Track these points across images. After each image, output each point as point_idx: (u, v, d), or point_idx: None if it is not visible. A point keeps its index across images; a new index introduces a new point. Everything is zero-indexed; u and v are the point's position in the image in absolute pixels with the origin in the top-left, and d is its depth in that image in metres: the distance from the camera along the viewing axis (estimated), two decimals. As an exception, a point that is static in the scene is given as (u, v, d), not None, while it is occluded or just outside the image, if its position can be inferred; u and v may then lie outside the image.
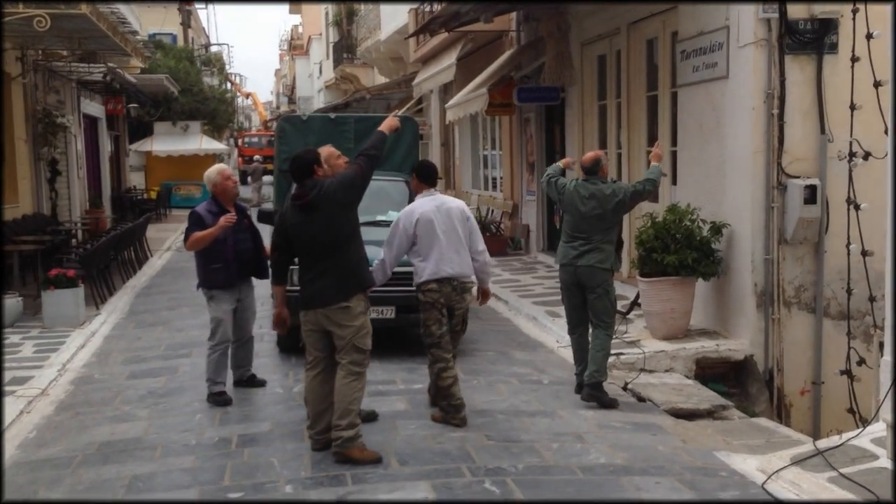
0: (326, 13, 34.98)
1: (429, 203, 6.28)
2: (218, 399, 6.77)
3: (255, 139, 47.42)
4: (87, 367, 8.31)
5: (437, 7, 16.54)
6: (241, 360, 7.25)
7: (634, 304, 9.34)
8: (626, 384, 7.40)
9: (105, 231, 15.42)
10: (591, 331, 6.94)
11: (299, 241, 5.59)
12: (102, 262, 12.05)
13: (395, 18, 21.91)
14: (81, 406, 7.00)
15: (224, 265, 6.85)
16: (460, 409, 6.12)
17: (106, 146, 22.45)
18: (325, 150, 5.80)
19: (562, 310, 10.15)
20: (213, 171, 7.07)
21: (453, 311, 6.31)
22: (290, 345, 8.07)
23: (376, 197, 7.46)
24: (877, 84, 5.06)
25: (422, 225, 6.16)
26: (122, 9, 14.67)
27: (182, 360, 8.34)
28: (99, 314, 10.64)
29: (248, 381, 7.24)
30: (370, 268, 5.84)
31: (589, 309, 6.89)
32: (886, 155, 4.91)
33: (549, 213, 14.58)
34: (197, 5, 37.51)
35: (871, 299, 6.32)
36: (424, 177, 6.42)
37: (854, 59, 5.36)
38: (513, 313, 10.55)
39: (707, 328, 8.73)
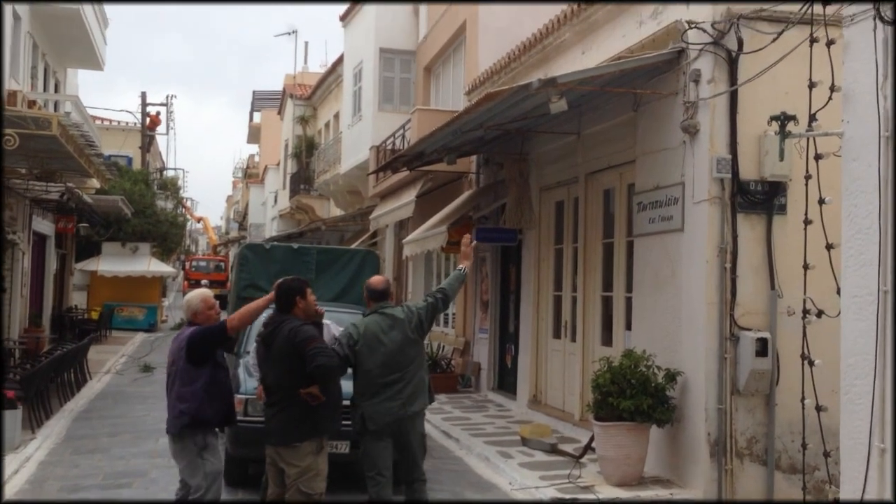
0: (286, 145, 35.68)
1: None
2: None
3: (203, 263, 47.20)
4: (20, 494, 7.90)
5: (401, 147, 17.03)
6: None
7: (588, 447, 9.30)
8: (582, 533, 7.28)
9: (44, 351, 14.96)
10: (412, 490, 6.20)
11: (260, 372, 5.55)
12: (43, 383, 11.65)
13: (356, 153, 22.42)
14: (12, 538, 6.63)
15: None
16: None
17: (52, 264, 22.07)
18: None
19: (514, 450, 10.21)
20: (195, 298, 5.98)
21: None
22: (237, 479, 7.82)
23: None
24: (829, 246, 5.29)
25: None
26: (89, 131, 14.76)
27: (122, 490, 7.99)
28: (34, 438, 10.19)
29: None
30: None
31: (402, 459, 6.13)
32: (839, 314, 5.10)
33: (502, 351, 14.63)
34: (158, 131, 38.01)
35: (826, 454, 6.38)
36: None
37: (807, 222, 5.64)
38: (464, 452, 10.39)
39: (661, 476, 8.69)
